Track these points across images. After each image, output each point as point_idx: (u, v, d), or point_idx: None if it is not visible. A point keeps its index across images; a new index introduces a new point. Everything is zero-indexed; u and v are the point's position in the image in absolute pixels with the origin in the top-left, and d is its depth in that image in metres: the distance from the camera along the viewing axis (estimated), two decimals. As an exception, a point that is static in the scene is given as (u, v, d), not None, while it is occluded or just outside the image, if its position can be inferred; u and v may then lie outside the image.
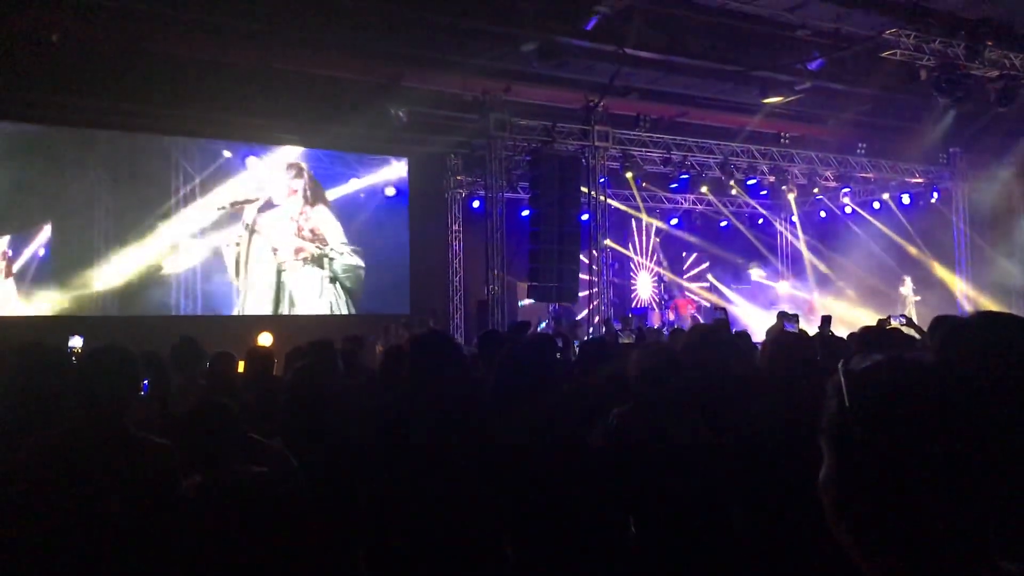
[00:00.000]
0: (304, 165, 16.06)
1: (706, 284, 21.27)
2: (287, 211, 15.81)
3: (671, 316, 18.77)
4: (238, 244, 15.33)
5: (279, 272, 15.64)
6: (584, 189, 15.19)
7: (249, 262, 15.36)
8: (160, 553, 2.78)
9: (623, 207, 18.34)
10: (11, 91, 12.44)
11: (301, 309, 15.72)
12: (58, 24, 10.82)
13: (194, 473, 2.95)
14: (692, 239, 20.91)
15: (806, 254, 20.82)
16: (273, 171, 15.75)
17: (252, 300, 15.38)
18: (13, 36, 11.04)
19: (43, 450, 2.80)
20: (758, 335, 11.60)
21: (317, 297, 16.01)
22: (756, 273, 21.28)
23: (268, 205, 15.62)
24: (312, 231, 16.00)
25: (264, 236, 15.53)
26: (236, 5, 10.41)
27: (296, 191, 15.90)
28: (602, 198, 15.56)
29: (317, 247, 16.06)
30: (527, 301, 15.87)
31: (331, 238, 16.21)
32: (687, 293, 20.87)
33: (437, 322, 15.39)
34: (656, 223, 20.22)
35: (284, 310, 15.61)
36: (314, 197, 16.10)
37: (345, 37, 11.52)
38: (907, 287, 17.56)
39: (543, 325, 15.93)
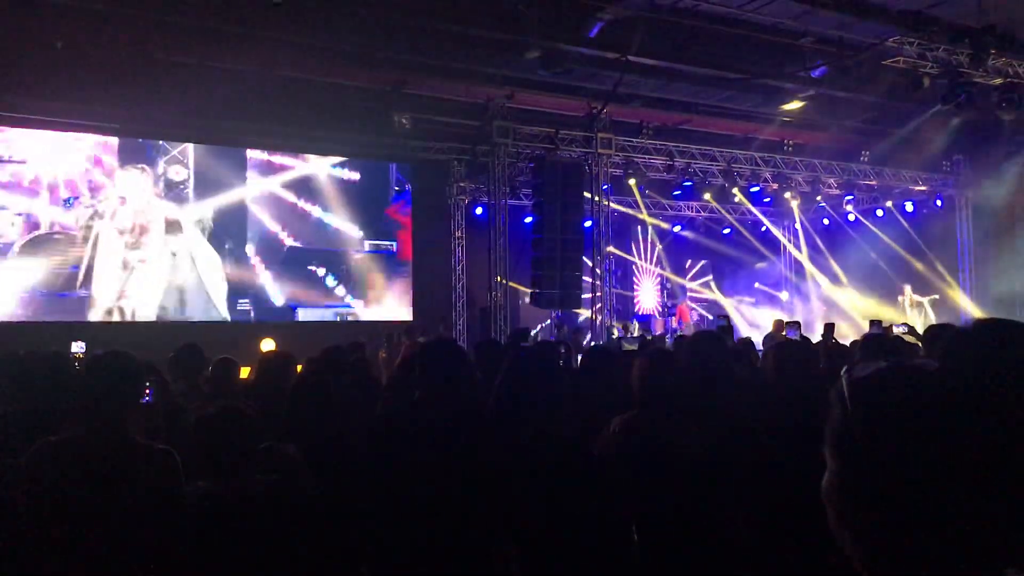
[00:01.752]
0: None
1: (709, 291, 21.27)
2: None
3: (674, 323, 18.77)
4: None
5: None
6: (587, 194, 15.20)
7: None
8: (162, 560, 2.77)
9: (628, 210, 18.35)
10: (15, 98, 12.50)
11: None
12: (61, 31, 10.86)
13: (201, 480, 2.95)
14: (695, 246, 20.91)
15: (807, 263, 20.81)
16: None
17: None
18: (17, 43, 11.09)
19: (45, 456, 2.80)
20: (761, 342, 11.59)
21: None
22: (761, 266, 21.29)
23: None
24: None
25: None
26: (239, 11, 10.44)
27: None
28: (605, 202, 15.56)
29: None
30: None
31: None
32: (690, 300, 20.87)
33: (446, 329, 15.45)
34: (660, 224, 20.20)
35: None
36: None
37: (349, 44, 11.55)
38: (907, 297, 17.54)
39: (540, 326, 15.94)
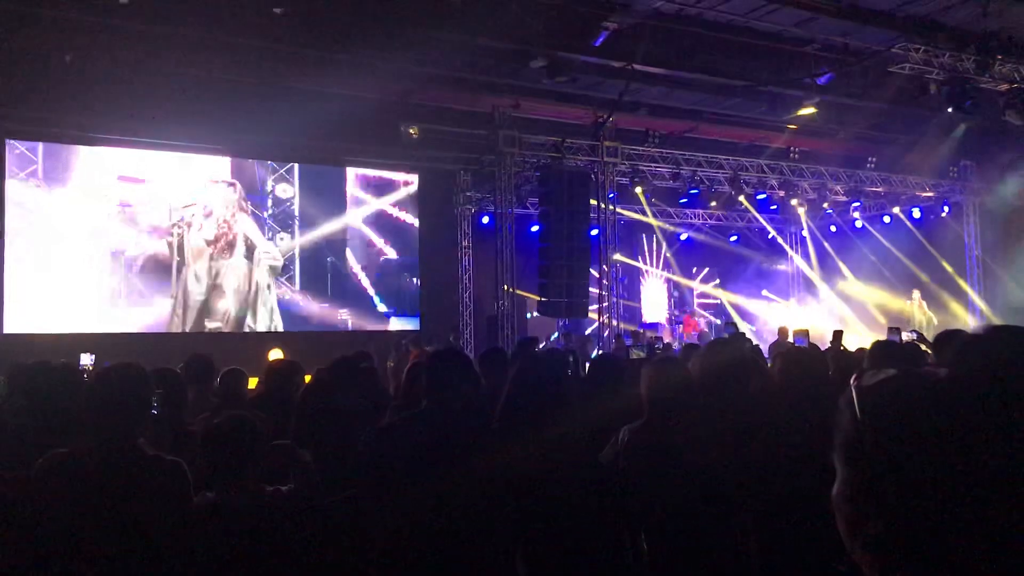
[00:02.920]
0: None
1: (716, 299, 21.23)
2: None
3: (681, 331, 18.74)
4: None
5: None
6: (594, 201, 15.19)
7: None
8: (171, 571, 2.77)
9: (636, 215, 18.34)
10: (24, 111, 12.58)
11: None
12: (71, 45, 10.94)
13: (209, 490, 2.95)
14: (703, 252, 20.87)
15: (814, 271, 20.76)
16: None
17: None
18: (27, 56, 11.17)
19: (55, 468, 2.80)
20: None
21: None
22: (781, 268, 21.27)
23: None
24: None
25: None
26: (247, 24, 10.49)
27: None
28: (612, 208, 15.55)
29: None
30: (535, 314, 15.86)
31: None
32: (698, 308, 20.83)
33: (456, 338, 15.47)
34: (667, 227, 20.17)
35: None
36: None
37: (355, 55, 11.59)
38: (915, 302, 17.47)
39: (554, 337, 15.91)
